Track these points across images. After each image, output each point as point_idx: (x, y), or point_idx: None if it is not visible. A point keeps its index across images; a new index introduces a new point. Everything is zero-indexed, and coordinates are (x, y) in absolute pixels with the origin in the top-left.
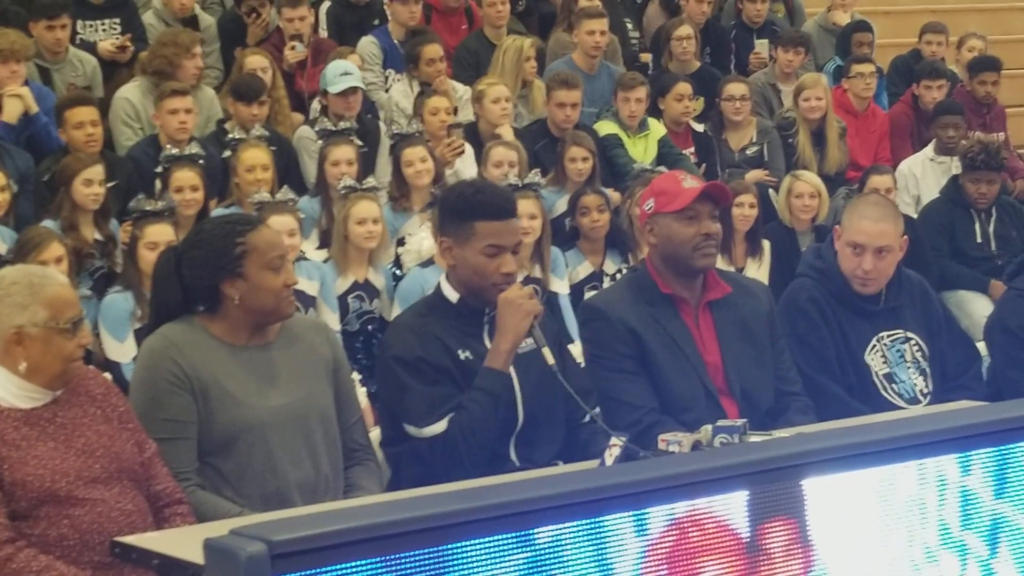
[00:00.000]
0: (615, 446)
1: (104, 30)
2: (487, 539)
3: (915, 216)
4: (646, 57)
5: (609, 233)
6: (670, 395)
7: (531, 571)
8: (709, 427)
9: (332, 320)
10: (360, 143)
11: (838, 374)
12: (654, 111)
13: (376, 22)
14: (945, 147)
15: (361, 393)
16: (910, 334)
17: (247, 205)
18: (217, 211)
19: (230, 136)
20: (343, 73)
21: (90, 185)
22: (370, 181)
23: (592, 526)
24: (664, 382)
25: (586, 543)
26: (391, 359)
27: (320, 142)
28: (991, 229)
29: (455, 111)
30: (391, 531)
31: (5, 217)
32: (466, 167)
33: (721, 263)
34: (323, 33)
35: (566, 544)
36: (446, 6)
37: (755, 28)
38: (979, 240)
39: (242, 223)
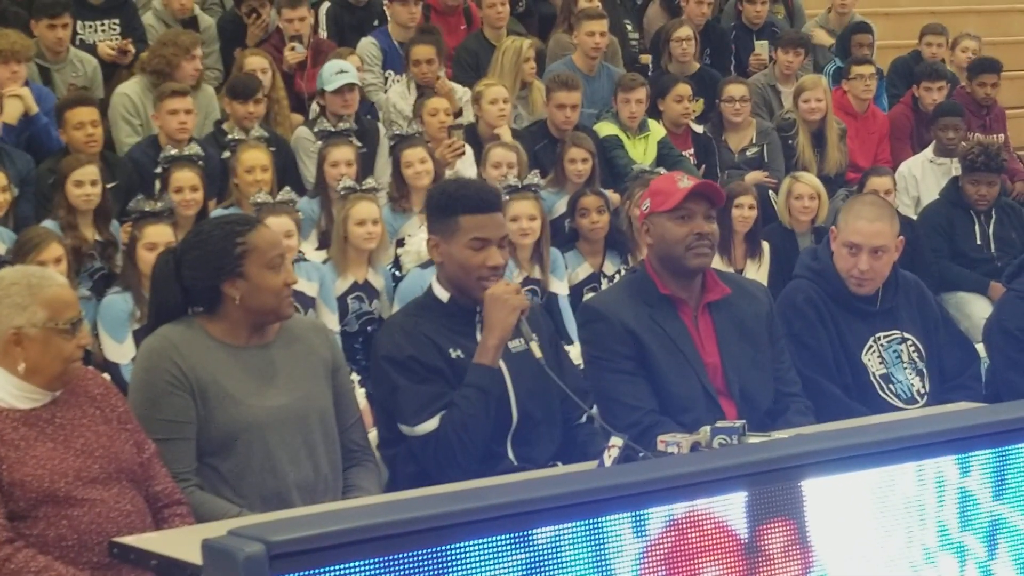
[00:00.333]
0: (614, 447)
1: (104, 31)
2: (486, 540)
3: (915, 217)
4: (646, 58)
5: (608, 234)
6: (669, 396)
7: (530, 572)
8: (708, 428)
9: (331, 321)
10: (359, 144)
11: (836, 375)
12: (654, 112)
13: (376, 23)
14: (945, 149)
15: (360, 394)
16: (907, 335)
17: (247, 206)
18: (216, 212)
19: (229, 137)
20: (339, 71)
21: (81, 186)
22: (369, 182)
23: (591, 527)
24: (663, 383)
25: (585, 544)
26: (382, 359)
27: (318, 143)
28: (991, 231)
29: (460, 112)
30: (390, 532)
31: (4, 218)
32: (466, 168)
33: (720, 264)
34: (323, 34)
35: (565, 545)
36: (445, 6)
37: (755, 29)
38: (979, 242)
39: (241, 223)
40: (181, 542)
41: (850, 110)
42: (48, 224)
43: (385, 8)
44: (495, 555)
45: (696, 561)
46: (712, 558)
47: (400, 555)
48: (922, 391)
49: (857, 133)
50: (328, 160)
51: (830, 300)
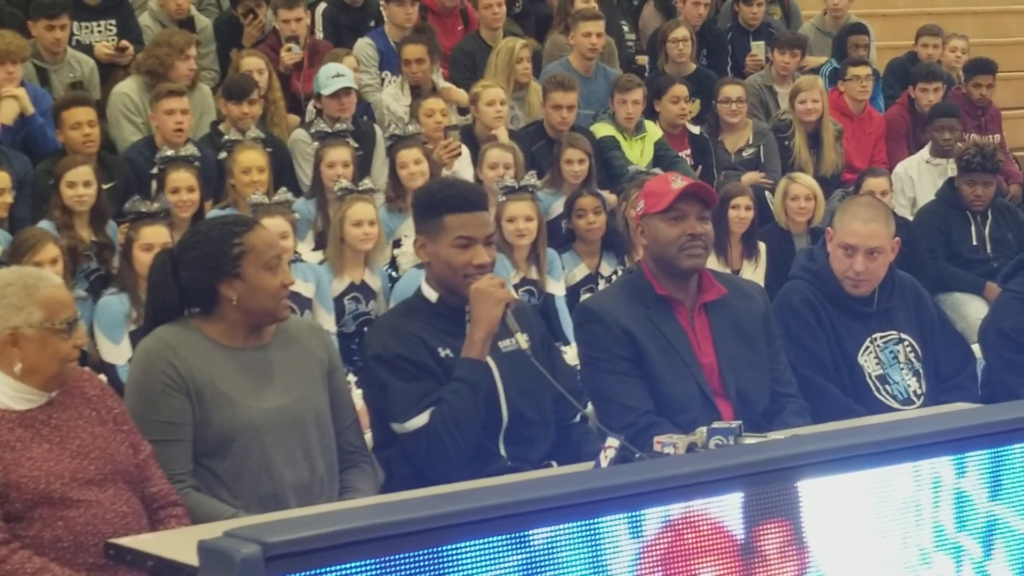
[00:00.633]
0: (610, 448)
1: (100, 31)
2: (482, 541)
3: (911, 218)
4: (642, 59)
5: (605, 235)
6: (665, 397)
7: (527, 572)
8: (704, 429)
9: (328, 322)
10: (356, 145)
11: (833, 375)
12: (650, 113)
13: (372, 24)
14: (941, 149)
15: (356, 395)
16: (903, 335)
17: (243, 207)
18: (212, 212)
19: (225, 137)
20: (335, 75)
21: (74, 187)
22: (366, 183)
23: (587, 528)
24: (659, 384)
25: (581, 545)
26: (371, 359)
27: (315, 144)
28: (987, 231)
29: (465, 111)
30: (386, 533)
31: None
32: (463, 169)
33: (717, 265)
34: (319, 35)
35: (561, 546)
36: (442, 7)
37: (751, 30)
38: (975, 242)
39: (238, 224)
40: (177, 543)
41: (846, 111)
42: (44, 224)
43: (381, 9)
44: (491, 556)
45: (692, 562)
46: (708, 559)
47: (396, 556)
48: (918, 392)
49: (853, 134)
50: (324, 161)
51: (826, 301)
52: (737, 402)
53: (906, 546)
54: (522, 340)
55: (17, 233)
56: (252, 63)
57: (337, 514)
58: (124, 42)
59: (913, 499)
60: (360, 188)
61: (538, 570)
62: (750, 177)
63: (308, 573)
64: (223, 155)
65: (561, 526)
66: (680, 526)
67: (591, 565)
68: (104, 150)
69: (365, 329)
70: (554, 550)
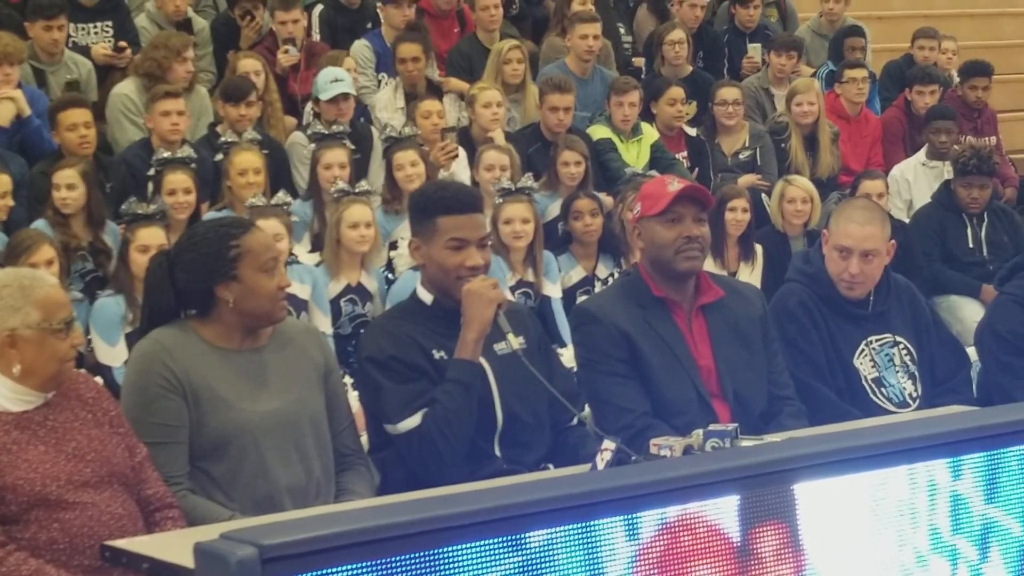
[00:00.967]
0: (607, 450)
1: (96, 33)
2: (478, 543)
3: (907, 221)
4: (639, 61)
5: (602, 237)
6: (662, 399)
7: (523, 575)
8: (700, 431)
9: (324, 324)
10: (352, 147)
11: (828, 378)
12: (647, 115)
13: (369, 25)
14: (937, 152)
15: (353, 397)
16: (899, 338)
17: (240, 208)
18: (209, 214)
19: (222, 139)
20: (334, 80)
21: (59, 189)
22: (363, 185)
23: (583, 530)
24: (656, 386)
25: (577, 547)
26: (365, 360)
27: (312, 146)
28: (983, 234)
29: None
30: (382, 535)
31: None
32: (460, 171)
33: (713, 267)
34: (316, 36)
35: (558, 548)
36: (438, 9)
37: (748, 32)
38: (971, 245)
39: (235, 226)
40: (173, 545)
41: (843, 113)
42: (39, 223)
43: (378, 11)
44: (488, 558)
45: (689, 564)
46: (705, 561)
47: (392, 558)
48: (914, 395)
49: (850, 136)
50: (321, 162)
51: (822, 304)
52: (734, 404)
53: (902, 549)
54: (514, 341)
55: (13, 235)
56: (249, 65)
57: (333, 516)
58: (123, 43)
59: (909, 502)
60: (357, 190)
61: (535, 572)
62: (746, 179)
63: (304, 575)
64: (220, 157)
65: (558, 528)
66: (676, 528)
67: (587, 567)
68: (101, 151)
69: (361, 331)
70: (551, 552)
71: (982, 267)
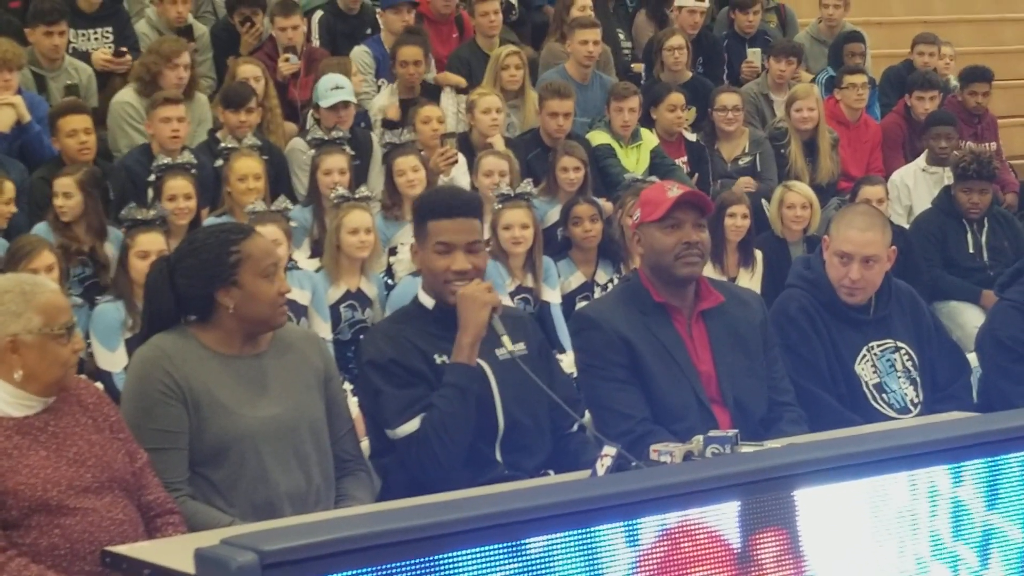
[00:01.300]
0: (607, 456)
1: (97, 39)
2: (478, 549)
3: (907, 226)
4: (638, 67)
5: (601, 243)
6: (662, 405)
7: None
8: (701, 437)
9: (324, 329)
10: (352, 153)
11: (829, 384)
12: (646, 121)
13: (368, 31)
14: (937, 157)
15: (352, 403)
16: (900, 344)
17: (239, 214)
18: (209, 220)
19: (222, 145)
20: (334, 87)
21: (57, 197)
22: (363, 190)
23: (583, 536)
24: (657, 392)
25: (577, 553)
26: (365, 364)
27: (312, 151)
28: (983, 239)
29: (466, 91)
30: (382, 541)
31: None
32: (460, 176)
33: (713, 273)
34: (315, 42)
35: (557, 554)
36: (438, 15)
37: (747, 38)
38: (971, 250)
39: (235, 231)
40: (173, 551)
41: (842, 119)
42: (40, 227)
43: (378, 16)
44: (487, 564)
45: (689, 571)
46: (705, 568)
47: (392, 564)
48: (915, 400)
49: (849, 142)
50: (321, 168)
51: (823, 309)
52: (734, 410)
53: (903, 555)
54: (508, 344)
55: (13, 240)
56: (248, 71)
57: (333, 522)
58: (123, 48)
59: (910, 508)
60: (356, 196)
61: None
62: (742, 183)
63: None
64: (220, 163)
65: (557, 535)
66: (677, 535)
67: (587, 574)
68: (102, 158)
69: (361, 337)
70: (550, 559)
71: (982, 273)
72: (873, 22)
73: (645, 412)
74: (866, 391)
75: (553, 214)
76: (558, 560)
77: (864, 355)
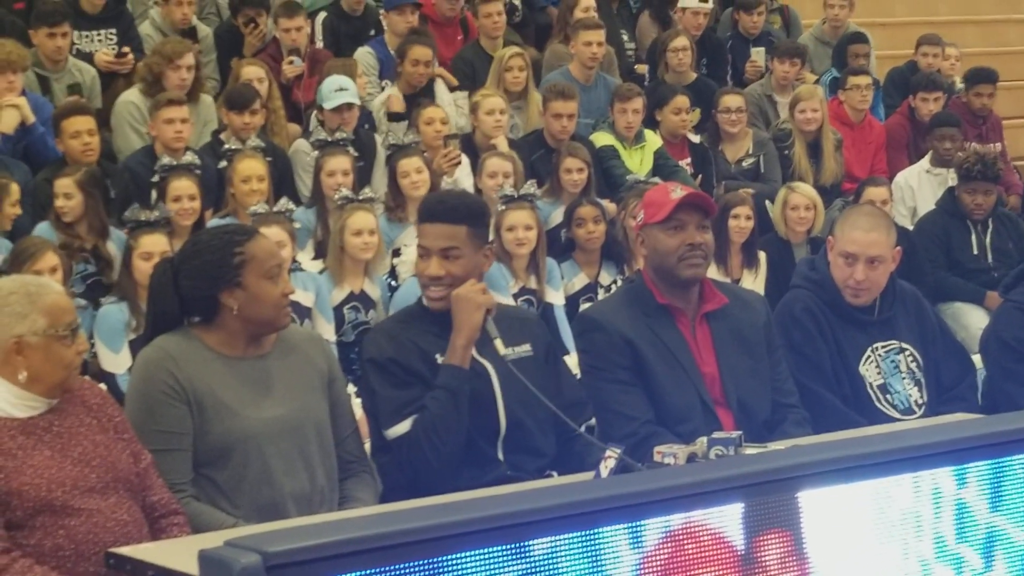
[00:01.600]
0: (610, 458)
1: (100, 40)
2: (481, 551)
3: (911, 228)
4: (642, 68)
5: (605, 244)
6: (666, 406)
7: None
8: (704, 439)
9: (327, 331)
10: (356, 154)
11: (834, 385)
12: (650, 122)
13: (372, 33)
14: (941, 159)
15: (356, 404)
16: (904, 345)
17: (243, 216)
18: (212, 222)
19: (226, 146)
20: (338, 89)
21: (58, 197)
22: (366, 192)
23: (587, 538)
24: (660, 393)
25: (581, 555)
26: (366, 362)
27: (315, 153)
28: (987, 241)
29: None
30: (385, 543)
31: None
32: (463, 178)
33: (717, 274)
34: (319, 44)
35: (561, 556)
36: (442, 16)
37: (751, 39)
38: (975, 252)
39: (239, 233)
40: (177, 552)
41: (846, 120)
42: (42, 226)
43: (381, 18)
44: (492, 566)
45: (693, 572)
46: (709, 570)
47: (396, 566)
48: (920, 401)
49: (853, 143)
50: (324, 169)
51: (828, 310)
52: (738, 412)
53: (906, 557)
54: (500, 347)
55: (17, 242)
56: (252, 72)
57: (337, 524)
58: (126, 48)
59: (913, 510)
60: (360, 197)
61: None
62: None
63: None
64: (223, 164)
65: (561, 536)
66: (680, 537)
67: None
68: (106, 159)
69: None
70: (554, 561)
71: (987, 274)
72: (877, 23)
73: (649, 414)
74: (870, 392)
75: (557, 215)
76: (562, 562)
77: (868, 356)
